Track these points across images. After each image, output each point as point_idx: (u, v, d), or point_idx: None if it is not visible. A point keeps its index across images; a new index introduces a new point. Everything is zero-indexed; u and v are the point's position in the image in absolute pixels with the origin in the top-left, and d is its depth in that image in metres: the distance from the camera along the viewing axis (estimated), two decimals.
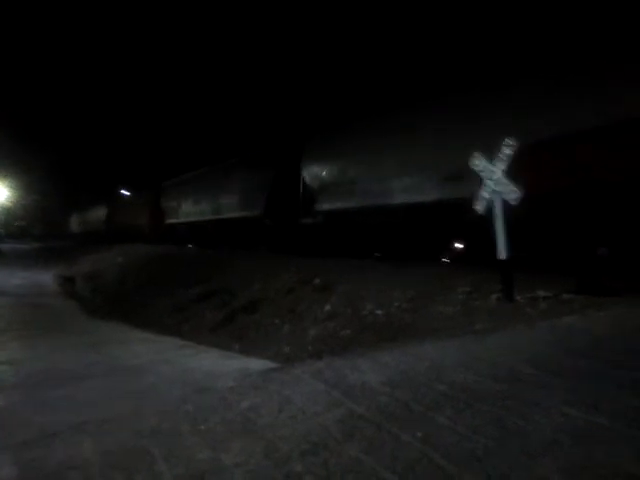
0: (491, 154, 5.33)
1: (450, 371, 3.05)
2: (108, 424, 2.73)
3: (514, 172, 5.12)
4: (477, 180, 5.49)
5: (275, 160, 15.56)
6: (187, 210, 23.31)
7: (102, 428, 2.68)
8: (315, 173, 13.24)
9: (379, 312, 6.08)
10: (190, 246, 22.11)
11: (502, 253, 5.26)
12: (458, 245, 9.60)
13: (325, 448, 2.25)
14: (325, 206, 12.59)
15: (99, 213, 39.65)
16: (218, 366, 5.46)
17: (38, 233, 66.68)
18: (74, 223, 51.22)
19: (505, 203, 5.21)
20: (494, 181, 5.29)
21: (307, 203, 13.41)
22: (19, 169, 50.95)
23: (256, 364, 5.46)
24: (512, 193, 5.07)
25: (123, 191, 39.11)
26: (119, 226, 33.46)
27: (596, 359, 3.06)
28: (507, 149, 5.16)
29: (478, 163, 5.50)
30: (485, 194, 5.40)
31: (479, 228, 6.04)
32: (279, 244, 15.07)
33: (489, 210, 5.36)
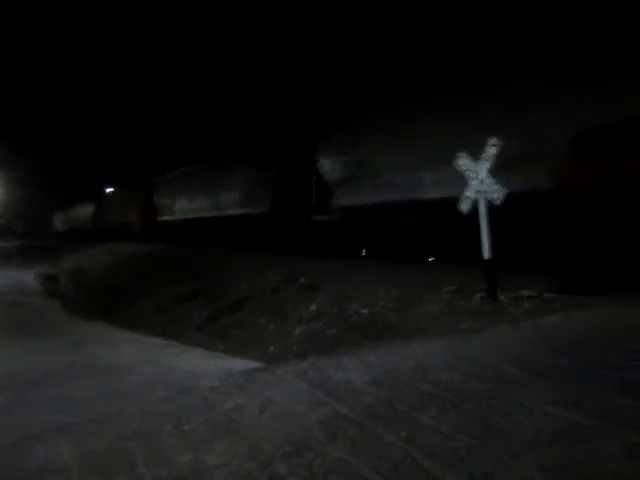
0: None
1: (435, 370, 3.06)
2: (90, 425, 2.69)
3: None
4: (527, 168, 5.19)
5: (281, 154, 14.51)
6: (182, 207, 22.06)
7: (83, 429, 2.64)
8: (332, 166, 12.04)
9: (364, 311, 6.08)
10: (184, 245, 20.59)
11: (486, 253, 5.29)
12: None
13: (308, 449, 2.24)
14: (344, 201, 11.46)
15: (86, 210, 38.10)
16: (202, 366, 5.42)
17: (20, 231, 65.38)
18: (59, 221, 49.62)
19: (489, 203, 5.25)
20: (478, 181, 5.32)
21: (322, 198, 12.25)
22: (0, 165, 49.84)
23: (240, 364, 5.42)
24: (496, 193, 5.10)
25: (112, 187, 38.03)
26: (108, 224, 32.08)
27: (579, 358, 3.09)
28: (491, 149, 5.19)
29: (462, 163, 5.52)
30: (469, 194, 5.43)
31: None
32: (286, 243, 13.93)
33: (474, 210, 5.39)
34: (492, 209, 5.29)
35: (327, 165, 12.25)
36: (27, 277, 19.82)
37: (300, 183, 13.24)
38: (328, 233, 12.41)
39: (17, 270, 22.10)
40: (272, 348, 6.41)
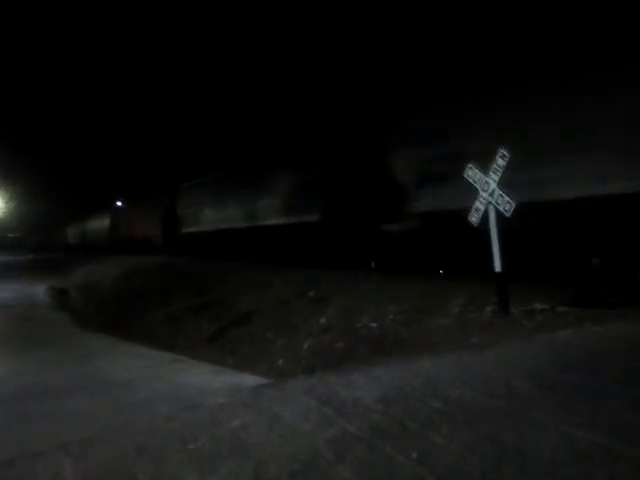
0: None
1: (446, 386, 2.98)
2: (92, 443, 2.64)
3: None
4: None
5: (335, 151, 12.42)
6: (210, 217, 19.73)
7: (86, 447, 2.59)
8: (408, 162, 9.70)
9: (374, 325, 6.01)
10: (212, 259, 18.05)
11: (497, 265, 5.22)
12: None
13: (316, 469, 2.17)
14: (423, 206, 9.31)
15: (102, 223, 36.52)
16: (209, 382, 5.37)
17: (33, 244, 65.89)
18: (72, 234, 48.48)
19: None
20: (488, 192, 5.26)
21: (392, 203, 10.02)
22: (13, 178, 50.29)
23: (248, 380, 5.36)
24: (507, 204, 5.04)
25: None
26: (125, 237, 30.36)
27: (593, 374, 3.00)
28: (500, 160, 5.14)
29: (472, 174, 5.47)
30: (479, 205, 5.37)
31: None
32: (343, 257, 11.78)
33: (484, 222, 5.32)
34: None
35: (401, 161, 9.95)
36: (38, 290, 19.95)
37: (361, 185, 11.11)
38: (399, 245, 10.13)
39: (28, 283, 22.27)
40: (281, 362, 6.35)
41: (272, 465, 2.25)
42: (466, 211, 6.94)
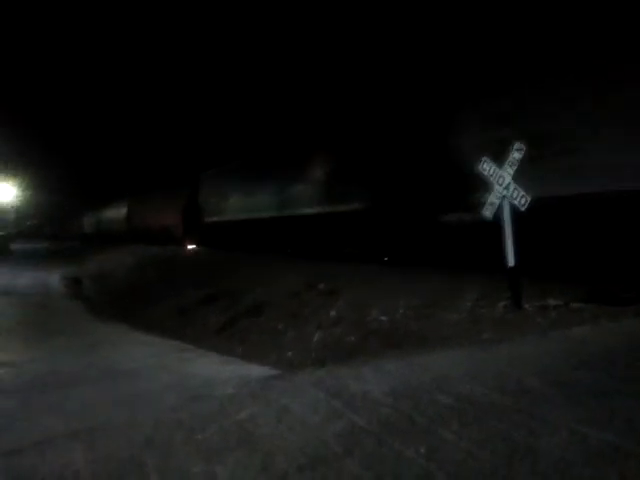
0: None
1: (456, 382, 2.95)
2: (102, 432, 2.65)
3: None
4: None
5: (383, 129, 10.77)
6: (236, 206, 18.13)
7: (95, 436, 2.61)
8: (478, 141, 8.01)
9: (384, 318, 5.97)
10: (237, 251, 16.57)
11: (511, 260, 5.15)
12: None
13: (324, 463, 2.16)
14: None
15: (119, 212, 35.01)
16: (217, 372, 5.38)
17: (50, 233, 66.62)
18: (89, 223, 47.48)
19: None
20: (503, 186, 5.18)
21: (456, 190, 8.57)
22: (30, 167, 50.71)
23: (256, 370, 5.37)
24: (522, 198, 4.96)
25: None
26: (143, 226, 29.05)
27: (608, 372, 2.94)
28: (516, 153, 5.05)
29: (486, 167, 5.39)
30: (494, 199, 5.29)
31: None
32: (396, 250, 10.39)
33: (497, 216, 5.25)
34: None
35: (468, 140, 8.36)
36: (53, 278, 20.22)
37: (418, 171, 9.52)
38: (463, 239, 8.68)
39: (44, 271, 22.59)
40: (290, 353, 6.36)
41: (280, 458, 2.24)
42: (555, 200, 6.55)
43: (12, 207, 59.52)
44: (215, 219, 20.02)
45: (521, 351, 3.64)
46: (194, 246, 21.48)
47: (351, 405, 2.72)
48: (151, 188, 31.64)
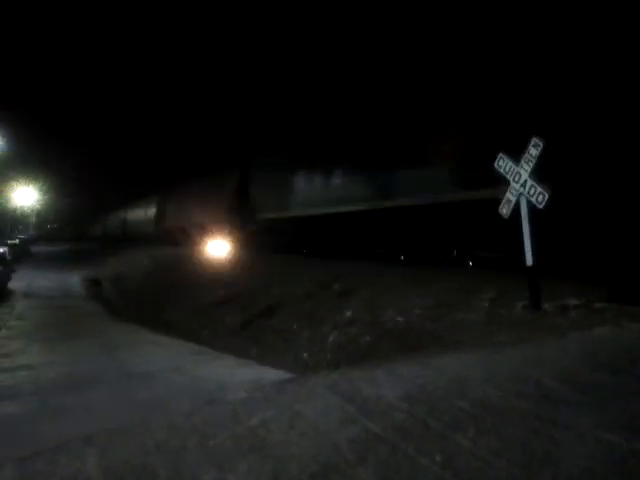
0: None
1: (472, 386, 2.88)
2: (114, 437, 2.64)
3: None
4: None
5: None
6: (309, 196, 13.96)
7: (108, 441, 2.60)
8: None
9: (400, 319, 5.90)
10: (315, 257, 13.04)
11: (529, 259, 5.03)
12: None
13: (336, 471, 2.11)
14: None
15: (147, 212, 31.84)
16: (232, 375, 5.37)
17: (70, 235, 67.52)
18: (113, 225, 44.86)
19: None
20: (519, 183, 5.06)
21: None
22: (50, 170, 51.25)
23: (270, 373, 5.34)
24: (539, 195, 4.83)
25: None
26: (175, 226, 25.29)
27: (631, 375, 2.84)
28: (534, 149, 4.93)
29: (502, 164, 5.28)
30: (510, 197, 5.17)
31: None
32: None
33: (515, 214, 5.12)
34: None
35: None
36: (73, 280, 20.53)
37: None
38: None
39: (65, 273, 22.96)
40: (306, 355, 6.32)
41: (292, 465, 2.20)
42: None
43: (33, 211, 60.73)
44: (273, 215, 15.83)
45: (540, 353, 3.55)
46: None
47: (365, 410, 2.67)
48: (185, 183, 27.30)
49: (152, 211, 30.62)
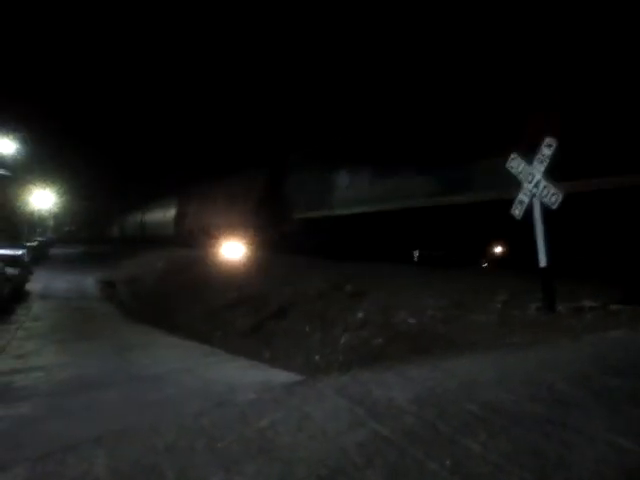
0: None
1: (483, 389, 2.84)
2: (123, 438, 2.66)
3: None
4: None
5: None
6: (358, 193, 12.48)
7: (117, 442, 2.61)
8: None
9: (412, 321, 5.86)
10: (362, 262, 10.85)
11: (542, 260, 4.96)
12: None
13: (344, 474, 2.09)
14: None
15: (166, 213, 30.57)
16: (240, 377, 5.38)
17: (87, 238, 68.34)
18: (131, 226, 44.00)
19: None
20: (533, 183, 4.99)
21: None
22: (67, 173, 51.80)
23: (280, 375, 5.34)
24: (552, 196, 4.75)
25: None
26: (197, 229, 24.13)
27: None
28: (546, 149, 4.86)
29: (515, 165, 5.21)
30: (523, 197, 5.10)
31: None
32: None
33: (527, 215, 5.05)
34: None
35: None
36: (89, 282, 20.78)
37: None
38: None
39: (81, 275, 23.25)
40: (317, 357, 6.31)
41: (299, 468, 2.19)
42: None
43: (50, 213, 61.63)
44: (314, 214, 14.14)
45: (553, 355, 3.49)
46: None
47: (374, 413, 2.65)
48: (207, 183, 25.93)
49: (172, 212, 29.52)
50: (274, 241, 16.25)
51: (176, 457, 2.40)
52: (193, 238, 24.04)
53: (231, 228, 18.77)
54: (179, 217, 28.01)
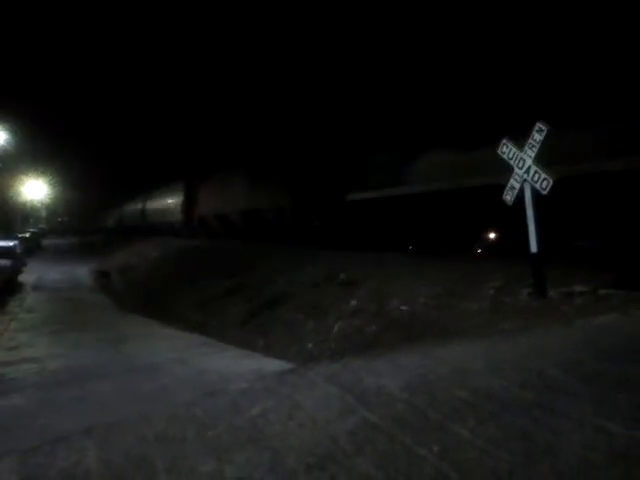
0: None
1: (474, 375, 2.85)
2: (114, 429, 2.65)
3: None
4: None
5: None
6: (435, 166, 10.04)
7: (108, 433, 2.61)
8: None
9: (405, 308, 5.87)
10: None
11: (533, 246, 4.96)
12: None
13: (334, 461, 2.10)
14: None
15: (170, 200, 28.15)
16: (234, 366, 5.39)
17: (81, 228, 67.89)
18: (128, 215, 41.21)
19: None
20: (523, 169, 4.97)
21: None
22: (59, 163, 51.24)
23: (273, 364, 5.35)
24: (543, 182, 4.74)
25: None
26: (210, 214, 21.90)
27: (635, 364, 2.79)
28: (537, 134, 4.83)
29: (506, 150, 5.19)
30: (514, 183, 5.09)
31: None
32: None
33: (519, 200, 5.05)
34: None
35: None
36: (82, 272, 20.71)
37: None
38: None
39: (74, 265, 23.18)
40: (310, 345, 6.33)
41: (289, 456, 2.19)
42: None
43: (43, 204, 61.26)
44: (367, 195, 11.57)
45: (544, 341, 3.50)
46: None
47: (364, 401, 2.65)
48: (223, 165, 22.92)
49: (178, 199, 26.77)
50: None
51: (167, 447, 2.40)
52: (207, 225, 22.26)
53: (255, 213, 16.75)
54: (187, 203, 25.55)
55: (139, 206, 37.27)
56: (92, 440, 2.52)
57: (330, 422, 2.47)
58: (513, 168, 5.07)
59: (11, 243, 19.07)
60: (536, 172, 4.82)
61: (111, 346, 6.65)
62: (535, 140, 4.84)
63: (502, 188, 5.15)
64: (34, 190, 53.76)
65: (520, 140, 5.09)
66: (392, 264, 8.49)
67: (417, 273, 7.31)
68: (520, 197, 5.08)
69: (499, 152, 5.22)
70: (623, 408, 2.28)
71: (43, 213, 67.71)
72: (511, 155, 5.10)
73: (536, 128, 4.85)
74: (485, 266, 6.98)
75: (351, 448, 2.19)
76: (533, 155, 4.87)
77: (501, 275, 6.08)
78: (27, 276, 17.51)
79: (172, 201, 28.14)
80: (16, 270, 16.32)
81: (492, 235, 9.83)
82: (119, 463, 2.29)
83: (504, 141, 5.21)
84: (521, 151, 4.99)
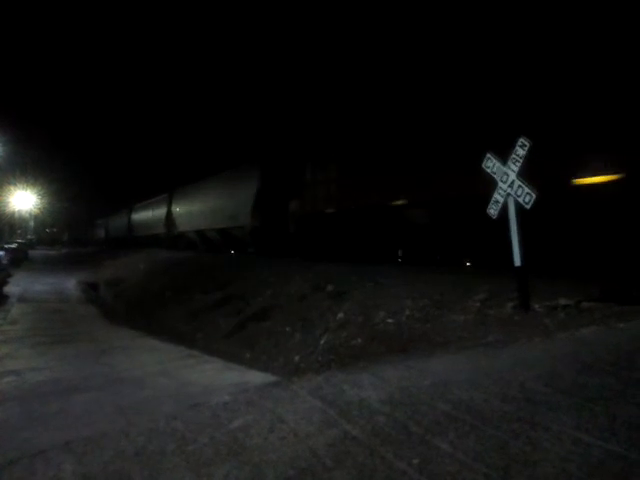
0: None
1: (456, 388, 2.85)
2: (93, 443, 2.62)
3: None
4: None
5: None
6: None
7: (86, 447, 2.57)
8: None
9: (390, 321, 5.88)
10: None
11: (517, 259, 5.00)
12: None
13: (313, 475, 2.09)
14: None
15: (155, 212, 28.36)
16: (218, 379, 5.35)
17: (69, 239, 67.34)
18: (114, 227, 42.28)
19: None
20: (507, 183, 5.04)
21: None
22: (48, 175, 50.97)
23: (257, 377, 5.32)
24: (526, 196, 4.81)
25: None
26: (192, 231, 22.03)
27: (616, 377, 2.82)
28: (520, 149, 4.91)
29: (490, 165, 5.26)
30: (498, 197, 5.15)
31: None
32: None
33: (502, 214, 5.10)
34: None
35: None
36: (70, 284, 20.46)
37: None
38: None
39: (63, 277, 22.90)
40: (297, 357, 6.29)
41: (269, 470, 2.18)
42: None
43: (31, 215, 60.64)
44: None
45: (526, 354, 3.53)
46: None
47: (346, 414, 2.65)
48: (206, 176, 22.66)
49: (162, 210, 27.03)
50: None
51: (145, 461, 2.37)
52: (187, 239, 22.47)
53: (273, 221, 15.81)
54: (170, 216, 25.87)
55: (125, 219, 37.93)
56: (71, 454, 2.49)
57: (311, 435, 2.46)
58: (497, 182, 5.14)
59: None
60: (520, 186, 4.88)
61: (97, 359, 6.56)
62: (518, 155, 4.91)
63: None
64: (22, 200, 53.25)
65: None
66: (380, 276, 8.50)
67: (404, 285, 7.31)
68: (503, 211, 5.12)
69: (483, 166, 5.29)
70: (601, 420, 2.30)
71: (31, 224, 67.00)
72: (495, 169, 5.17)
73: (519, 143, 4.92)
74: (471, 278, 7.01)
75: (331, 462, 2.18)
76: (517, 170, 4.94)
77: (488, 287, 6.11)
78: (12, 288, 17.26)
79: (154, 214, 28.73)
80: (1, 281, 16.10)
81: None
82: (97, 478, 2.26)
83: (488, 155, 5.27)
84: (504, 166, 5.06)
